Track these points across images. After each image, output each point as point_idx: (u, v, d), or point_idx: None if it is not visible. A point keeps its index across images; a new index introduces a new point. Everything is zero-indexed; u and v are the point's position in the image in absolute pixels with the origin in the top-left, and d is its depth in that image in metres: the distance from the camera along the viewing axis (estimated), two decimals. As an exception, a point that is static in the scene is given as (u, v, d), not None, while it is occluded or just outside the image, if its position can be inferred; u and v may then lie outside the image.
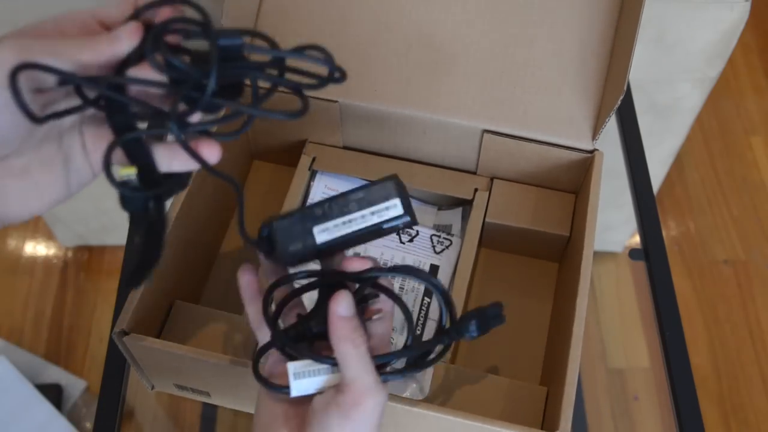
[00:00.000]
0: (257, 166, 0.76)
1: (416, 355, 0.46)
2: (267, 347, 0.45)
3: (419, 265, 0.66)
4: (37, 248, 1.47)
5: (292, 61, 0.41)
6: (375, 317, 0.45)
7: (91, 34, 0.37)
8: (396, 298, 0.45)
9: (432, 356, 0.46)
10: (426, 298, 0.64)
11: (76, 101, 0.38)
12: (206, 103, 0.38)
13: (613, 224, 1.24)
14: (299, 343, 0.44)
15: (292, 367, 0.42)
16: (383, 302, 0.45)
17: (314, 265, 0.46)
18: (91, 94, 0.38)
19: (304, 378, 0.42)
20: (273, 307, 0.46)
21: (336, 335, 0.41)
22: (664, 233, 0.77)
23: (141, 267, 0.42)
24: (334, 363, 0.42)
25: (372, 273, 0.44)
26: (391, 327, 0.45)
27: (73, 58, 0.35)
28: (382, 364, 0.43)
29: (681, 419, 0.61)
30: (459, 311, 0.62)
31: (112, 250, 1.44)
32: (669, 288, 0.68)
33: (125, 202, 0.41)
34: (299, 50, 0.40)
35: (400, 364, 0.46)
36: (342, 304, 0.41)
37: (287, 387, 0.42)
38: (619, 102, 0.58)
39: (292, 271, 0.46)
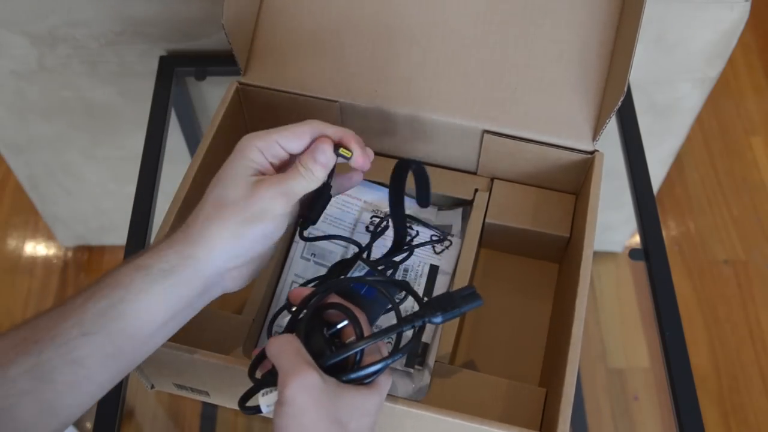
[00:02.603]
0: (257, 166, 0.76)
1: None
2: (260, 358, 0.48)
3: (419, 266, 0.66)
4: (37, 248, 1.47)
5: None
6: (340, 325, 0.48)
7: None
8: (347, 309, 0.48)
9: (401, 345, 0.48)
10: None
11: None
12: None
13: (613, 224, 1.24)
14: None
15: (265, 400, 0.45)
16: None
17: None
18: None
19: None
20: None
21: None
22: (664, 233, 0.77)
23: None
24: None
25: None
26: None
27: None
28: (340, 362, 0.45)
29: (681, 419, 0.61)
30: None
31: (112, 250, 1.44)
32: (669, 288, 0.68)
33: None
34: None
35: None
36: None
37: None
38: (619, 103, 0.58)
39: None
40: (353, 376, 0.45)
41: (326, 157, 0.49)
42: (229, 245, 0.46)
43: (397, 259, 0.63)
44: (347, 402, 0.43)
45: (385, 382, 0.47)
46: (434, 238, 0.66)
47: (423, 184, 0.59)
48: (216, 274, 0.47)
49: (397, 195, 0.59)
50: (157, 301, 0.44)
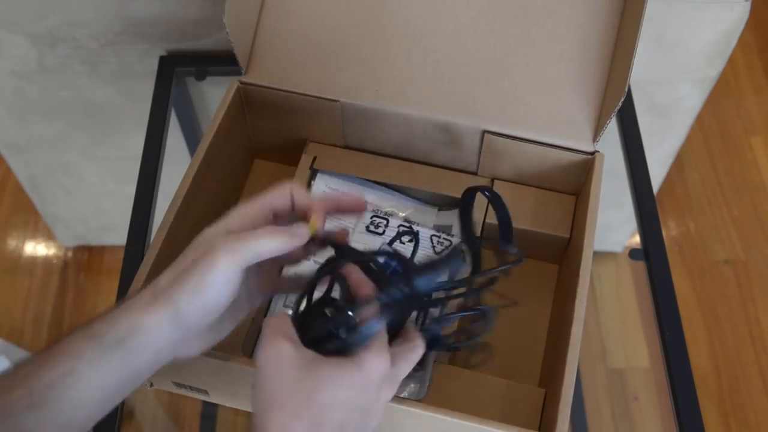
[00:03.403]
0: (258, 165, 0.76)
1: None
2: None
3: (419, 266, 0.66)
4: (37, 248, 1.47)
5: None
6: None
7: (269, 223, 0.49)
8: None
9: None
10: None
11: None
12: None
13: (613, 224, 1.24)
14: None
15: None
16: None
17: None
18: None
19: None
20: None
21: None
22: (664, 233, 0.77)
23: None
24: None
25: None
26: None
27: (270, 249, 0.47)
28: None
29: (681, 419, 0.61)
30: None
31: (111, 250, 1.44)
32: (669, 288, 0.68)
33: None
34: None
35: None
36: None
37: None
38: (620, 104, 0.58)
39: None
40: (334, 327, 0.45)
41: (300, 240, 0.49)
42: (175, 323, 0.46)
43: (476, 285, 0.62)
44: (318, 374, 0.44)
45: (367, 357, 0.46)
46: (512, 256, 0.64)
47: (503, 216, 0.58)
48: (167, 345, 0.46)
49: (467, 221, 0.60)
50: (107, 372, 0.44)
